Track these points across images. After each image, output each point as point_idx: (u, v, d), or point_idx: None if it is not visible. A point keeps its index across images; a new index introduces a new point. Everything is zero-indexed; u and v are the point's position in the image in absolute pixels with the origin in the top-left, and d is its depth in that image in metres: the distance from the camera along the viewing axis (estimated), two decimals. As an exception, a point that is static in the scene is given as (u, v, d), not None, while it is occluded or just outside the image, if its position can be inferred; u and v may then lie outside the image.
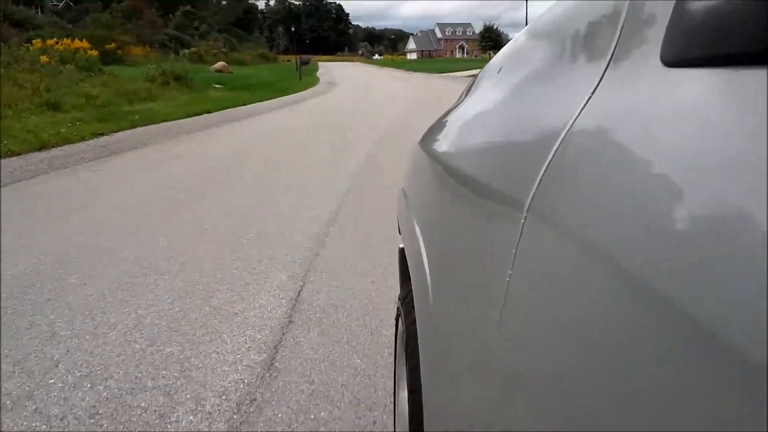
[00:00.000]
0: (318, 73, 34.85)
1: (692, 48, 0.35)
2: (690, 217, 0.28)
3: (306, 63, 27.18)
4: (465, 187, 0.70)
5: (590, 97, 0.46)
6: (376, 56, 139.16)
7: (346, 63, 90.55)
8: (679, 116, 0.35)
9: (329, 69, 49.04)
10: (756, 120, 0.27)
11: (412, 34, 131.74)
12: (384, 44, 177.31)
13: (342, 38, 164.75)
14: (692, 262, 0.27)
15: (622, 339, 0.31)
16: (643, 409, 0.28)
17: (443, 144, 0.94)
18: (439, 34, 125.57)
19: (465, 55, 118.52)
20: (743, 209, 0.25)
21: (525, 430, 0.41)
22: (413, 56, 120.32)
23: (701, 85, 0.35)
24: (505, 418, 0.45)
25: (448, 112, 1.12)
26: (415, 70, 42.99)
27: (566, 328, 0.38)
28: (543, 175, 0.46)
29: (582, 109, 0.46)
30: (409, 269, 0.95)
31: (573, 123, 0.46)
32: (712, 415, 0.23)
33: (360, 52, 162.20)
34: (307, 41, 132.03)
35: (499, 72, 0.90)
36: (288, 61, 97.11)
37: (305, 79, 25.23)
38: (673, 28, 0.38)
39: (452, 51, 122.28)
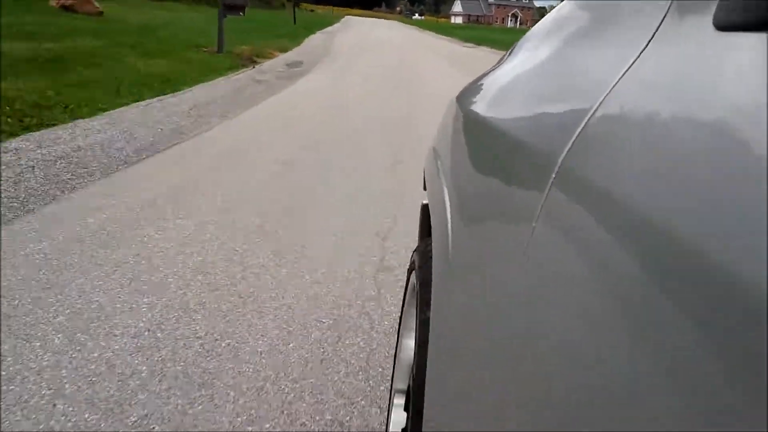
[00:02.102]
0: (313, 36, 21.36)
1: (747, 11, 0.34)
2: (734, 186, 0.27)
3: (233, 9, 9.33)
4: (498, 142, 0.70)
5: (636, 60, 0.46)
6: (416, 16, 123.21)
7: (379, 20, 75.85)
8: (727, 81, 0.34)
9: (346, 27, 35.22)
10: None
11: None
12: (426, 3, 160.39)
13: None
14: (734, 229, 0.26)
15: (645, 296, 0.30)
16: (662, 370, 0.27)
17: (481, 101, 0.94)
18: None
19: (518, 24, 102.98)
20: None
21: (536, 388, 0.40)
22: (458, 20, 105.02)
23: (753, 50, 0.33)
24: (515, 376, 0.45)
25: (490, 71, 1.10)
26: (477, 42, 29.47)
27: (587, 287, 0.37)
28: (579, 134, 0.46)
29: (626, 71, 0.46)
30: (432, 223, 0.96)
31: (615, 85, 0.46)
32: (734, 407, 0.23)
33: (398, 9, 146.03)
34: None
35: (545, 35, 0.88)
36: (311, 11, 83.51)
37: (215, 63, 8.71)
38: None
39: (503, 19, 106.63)
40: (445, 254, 0.79)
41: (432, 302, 0.83)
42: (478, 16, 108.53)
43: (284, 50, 12.98)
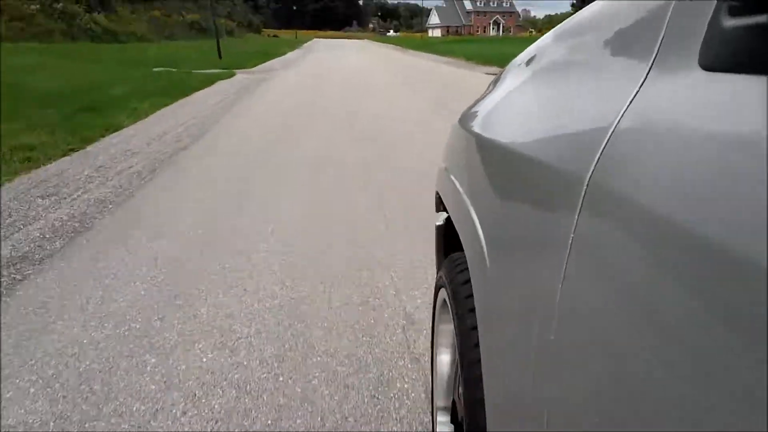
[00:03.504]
0: (230, 81, 11.45)
1: (726, 55, 0.39)
2: (718, 209, 0.33)
3: None
4: (520, 164, 0.74)
5: (637, 92, 0.51)
6: (391, 33, 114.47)
7: (350, 42, 66.82)
8: (712, 117, 0.39)
9: (304, 56, 25.86)
10: None
11: (435, 7, 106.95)
12: (399, 20, 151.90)
13: (351, 11, 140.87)
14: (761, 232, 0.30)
15: (678, 305, 0.34)
16: (710, 385, 0.30)
17: (490, 124, 0.99)
18: (468, 6, 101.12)
19: (501, 32, 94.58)
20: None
21: (591, 393, 0.44)
22: (436, 33, 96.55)
23: (735, 89, 0.38)
24: (565, 385, 0.50)
25: (486, 95, 1.15)
26: (485, 61, 18.27)
27: (629, 294, 0.41)
28: (601, 153, 0.50)
29: (631, 101, 0.51)
30: (462, 240, 0.99)
31: (623, 115, 0.51)
32: None
33: (371, 27, 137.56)
34: (303, 13, 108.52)
35: (541, 61, 0.94)
36: (274, 36, 71.75)
37: None
38: (710, 35, 0.42)
39: (485, 27, 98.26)
40: (483, 271, 0.82)
41: (478, 316, 0.86)
42: (457, 27, 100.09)
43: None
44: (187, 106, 7.84)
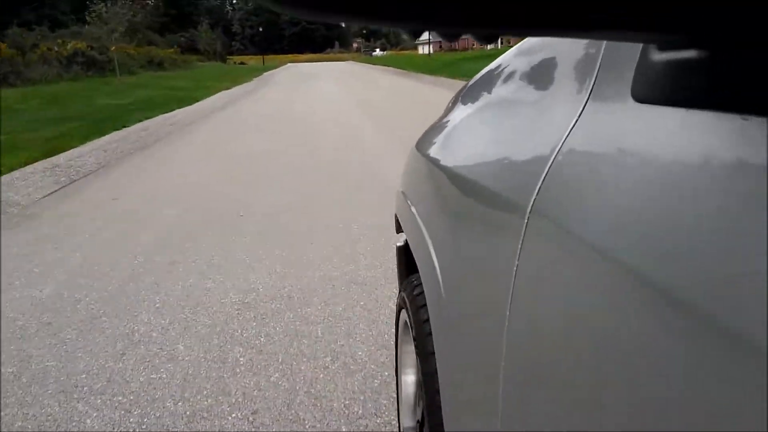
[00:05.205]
0: None
1: (657, 88, 0.41)
2: (651, 238, 0.34)
3: None
4: (469, 191, 0.76)
5: (575, 123, 0.53)
6: (378, 52, 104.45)
7: (330, 66, 56.13)
8: (644, 148, 0.41)
9: (255, 91, 15.13)
10: (705, 154, 0.34)
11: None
12: (386, 38, 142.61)
13: (332, 32, 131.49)
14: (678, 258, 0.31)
15: (616, 325, 0.35)
16: (647, 404, 0.31)
17: (443, 151, 1.00)
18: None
19: (500, 44, 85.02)
20: (697, 222, 0.31)
21: (538, 423, 0.46)
22: (425, 49, 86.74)
23: (664, 120, 0.39)
24: (518, 406, 0.51)
25: (441, 120, 1.19)
26: None
27: (572, 317, 0.42)
28: (542, 183, 0.52)
29: (569, 133, 0.53)
30: (417, 263, 1.00)
31: (562, 144, 0.53)
32: (719, 411, 0.25)
33: (355, 47, 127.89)
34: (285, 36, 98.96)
35: (488, 90, 0.96)
36: (240, 63, 61.27)
37: None
38: (641, 68, 0.44)
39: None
40: (437, 294, 0.82)
41: (434, 341, 0.85)
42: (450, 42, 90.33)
43: None
44: None
